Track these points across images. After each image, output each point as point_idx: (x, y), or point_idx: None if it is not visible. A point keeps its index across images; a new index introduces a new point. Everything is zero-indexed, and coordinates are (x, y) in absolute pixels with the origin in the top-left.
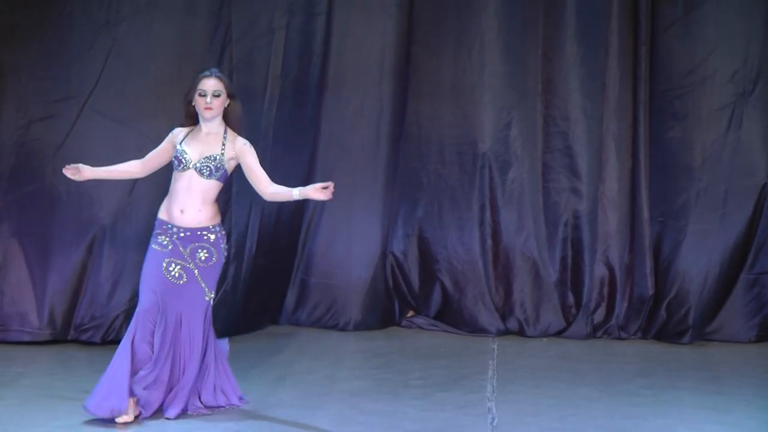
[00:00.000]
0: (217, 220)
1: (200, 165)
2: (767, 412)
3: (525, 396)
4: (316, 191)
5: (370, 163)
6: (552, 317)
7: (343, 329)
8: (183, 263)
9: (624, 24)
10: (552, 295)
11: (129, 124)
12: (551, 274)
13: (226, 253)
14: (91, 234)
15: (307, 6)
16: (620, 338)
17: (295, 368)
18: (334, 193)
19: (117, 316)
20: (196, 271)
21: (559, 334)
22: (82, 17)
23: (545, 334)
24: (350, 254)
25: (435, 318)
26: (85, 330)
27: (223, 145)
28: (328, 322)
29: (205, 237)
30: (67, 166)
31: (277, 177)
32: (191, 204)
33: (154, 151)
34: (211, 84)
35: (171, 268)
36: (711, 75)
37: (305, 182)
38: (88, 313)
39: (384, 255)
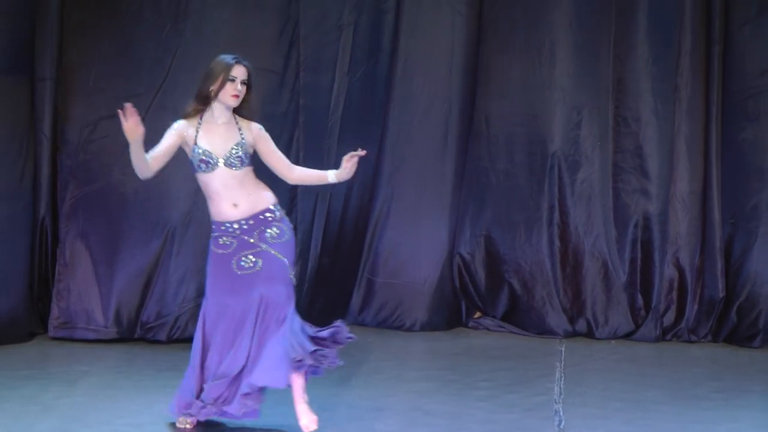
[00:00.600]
0: (273, 197)
1: (228, 159)
2: None
3: (593, 399)
4: (346, 168)
5: (437, 162)
6: (621, 319)
7: (410, 330)
8: (254, 250)
9: (696, 24)
10: (621, 296)
11: None
12: (620, 275)
13: (294, 231)
14: (164, 232)
15: (375, 3)
16: (690, 341)
17: (361, 369)
18: (399, 190)
19: (181, 315)
20: (271, 250)
21: (627, 336)
22: (150, 15)
23: (614, 337)
24: (417, 254)
25: (502, 319)
26: (151, 328)
27: (240, 131)
28: (395, 322)
29: (270, 217)
30: (129, 113)
31: None
32: (239, 195)
33: (158, 150)
34: (241, 71)
35: (243, 263)
36: None
37: (372, 181)
38: (154, 311)
39: (451, 255)
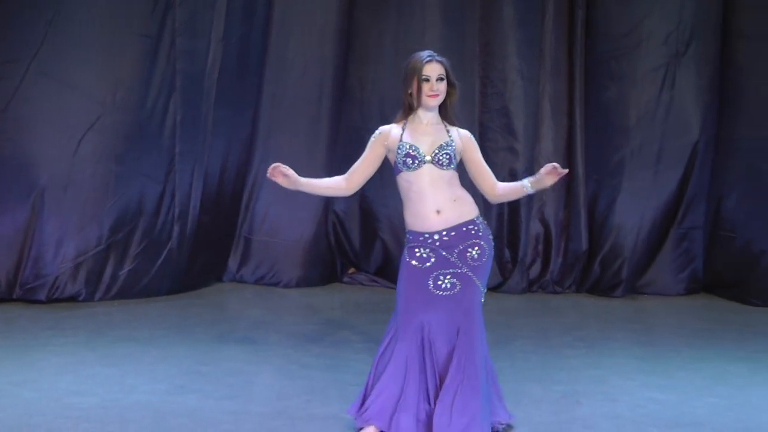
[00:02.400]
0: (477, 210)
1: (436, 156)
2: (696, 362)
3: None
4: (548, 175)
5: (312, 125)
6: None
7: (287, 286)
8: (454, 271)
9: None
10: None
11: (75, 87)
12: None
13: (494, 244)
14: (35, 193)
15: None
16: (555, 292)
17: (240, 324)
18: (274, 151)
19: (61, 275)
20: (469, 273)
21: (496, 288)
22: None
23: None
24: (293, 213)
25: (375, 274)
26: (31, 289)
27: (449, 133)
28: (272, 279)
29: (473, 231)
30: (276, 168)
31: (220, 137)
32: (443, 199)
33: (359, 161)
34: (435, 69)
35: (440, 282)
36: (646, 37)
37: (248, 143)
38: (32, 272)
39: (326, 213)
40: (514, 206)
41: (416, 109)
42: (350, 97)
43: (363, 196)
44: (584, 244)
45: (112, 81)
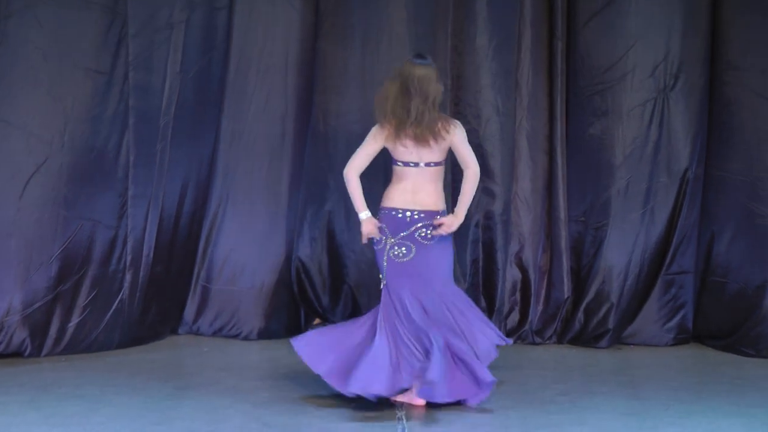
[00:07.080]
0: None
1: None
2: (686, 418)
3: (437, 403)
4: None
5: (274, 163)
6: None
7: (247, 338)
8: None
9: (538, 16)
10: None
11: (20, 127)
12: (463, 277)
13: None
14: None
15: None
16: (535, 343)
17: (197, 380)
18: (233, 192)
19: (4, 329)
20: None
21: None
22: None
23: None
24: (253, 259)
25: None
26: None
27: None
28: (231, 330)
29: None
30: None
31: (177, 176)
32: None
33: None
34: None
35: None
36: (631, 70)
37: (206, 183)
38: None
39: (289, 259)
40: (489, 252)
41: None
42: (315, 132)
43: (329, 240)
44: (566, 291)
45: (61, 120)
